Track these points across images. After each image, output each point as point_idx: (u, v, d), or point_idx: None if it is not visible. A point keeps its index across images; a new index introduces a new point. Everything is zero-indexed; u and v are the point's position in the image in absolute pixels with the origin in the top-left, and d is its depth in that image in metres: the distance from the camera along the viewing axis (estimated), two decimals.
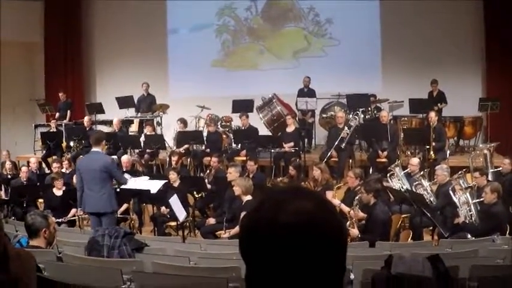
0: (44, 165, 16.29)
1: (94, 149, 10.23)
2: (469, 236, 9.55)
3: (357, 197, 10.29)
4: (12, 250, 2.16)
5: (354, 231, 9.66)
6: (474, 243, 8.59)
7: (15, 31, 19.59)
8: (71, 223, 12.28)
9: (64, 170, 14.37)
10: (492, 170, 12.53)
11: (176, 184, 12.26)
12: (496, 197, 9.70)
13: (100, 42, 20.95)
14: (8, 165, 15.48)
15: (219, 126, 16.80)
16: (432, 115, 14.00)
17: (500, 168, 12.28)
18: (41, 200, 13.16)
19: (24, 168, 14.52)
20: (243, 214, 9.27)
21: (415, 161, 12.22)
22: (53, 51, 20.63)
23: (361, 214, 10.13)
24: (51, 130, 17.47)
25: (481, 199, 9.95)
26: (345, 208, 10.38)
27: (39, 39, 20.72)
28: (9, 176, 14.90)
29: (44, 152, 16.89)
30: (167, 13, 20.20)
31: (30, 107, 20.73)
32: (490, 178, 11.76)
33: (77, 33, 20.79)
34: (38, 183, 13.99)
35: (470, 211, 10.06)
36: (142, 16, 19.93)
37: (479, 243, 8.28)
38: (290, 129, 15.34)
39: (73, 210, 12.31)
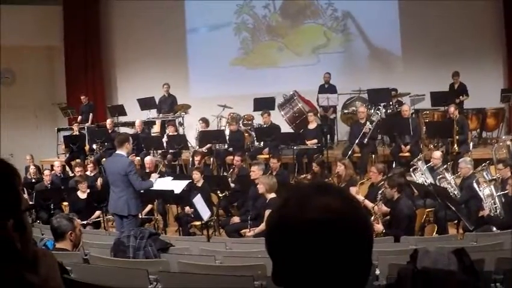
0: (67, 168, 16.37)
1: (118, 151, 10.30)
2: (494, 228, 9.48)
3: (380, 192, 10.27)
4: (40, 251, 2.20)
5: (379, 227, 9.63)
6: (499, 236, 8.52)
7: (35, 35, 19.77)
8: (96, 225, 12.37)
9: (88, 173, 14.49)
10: None
11: (199, 184, 12.28)
12: None
13: (120, 44, 21.04)
14: (32, 169, 15.61)
15: (241, 125, 16.81)
16: (452, 109, 13.88)
17: None
18: (65, 203, 13.25)
19: (47, 172, 14.66)
20: (267, 212, 9.33)
21: (437, 154, 12.16)
22: (73, 54, 20.74)
23: (384, 208, 10.09)
24: (74, 133, 17.58)
25: (506, 191, 9.88)
26: (369, 204, 10.34)
27: (59, 43, 20.83)
28: (33, 180, 15.01)
29: (68, 155, 16.99)
30: (186, 13, 20.26)
31: (52, 111, 20.88)
32: None
33: (97, 35, 20.89)
34: (62, 187, 14.08)
35: (494, 204, 10.00)
36: (161, 17, 20.00)
37: (504, 236, 8.20)
38: (312, 125, 15.34)
39: (97, 212, 12.41)
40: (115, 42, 21.17)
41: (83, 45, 20.74)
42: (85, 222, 11.75)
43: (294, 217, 1.63)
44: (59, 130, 18.74)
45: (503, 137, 14.28)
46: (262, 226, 10.05)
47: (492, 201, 10.02)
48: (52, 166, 15.93)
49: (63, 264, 4.91)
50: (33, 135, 20.23)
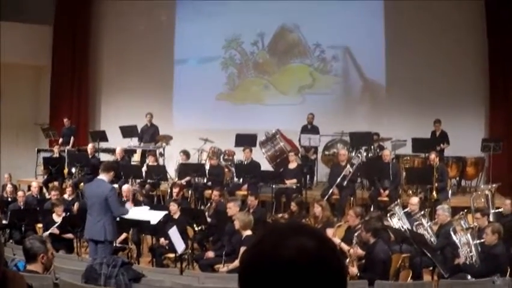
0: (44, 190, 16.25)
1: (101, 176, 10.29)
2: (469, 277, 9.48)
3: (356, 234, 10.26)
4: (10, 272, 2.17)
5: (354, 270, 9.60)
6: (474, 284, 8.54)
7: (23, 54, 19.80)
8: (69, 249, 12.22)
9: (66, 196, 14.39)
10: (493, 211, 12.49)
11: (176, 216, 12.21)
12: (497, 238, 9.64)
13: (107, 69, 21.10)
14: (9, 188, 15.48)
15: (221, 160, 16.81)
16: (433, 157, 14.03)
17: (502, 209, 12.26)
18: (40, 225, 13.11)
19: (20, 193, 14.51)
20: (242, 249, 9.29)
21: (415, 200, 12.18)
22: (60, 76, 20.79)
23: (359, 251, 10.08)
24: (54, 155, 17.50)
25: (482, 240, 9.90)
26: (345, 246, 10.34)
27: (47, 63, 20.85)
28: (9, 199, 14.87)
29: (46, 177, 16.90)
30: (175, 44, 20.34)
31: (33, 131, 20.80)
32: (491, 219, 11.72)
33: (85, 59, 20.95)
34: (38, 208, 13.95)
35: (470, 252, 10.02)
36: (150, 46, 20.09)
37: (480, 285, 8.22)
38: (292, 165, 15.34)
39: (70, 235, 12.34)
40: (102, 68, 21.22)
41: (71, 68, 20.78)
42: (49, 231, 11.83)
43: (268, 256, 1.62)
44: (39, 151, 18.68)
45: (482, 186, 14.34)
46: (237, 262, 9.99)
47: (468, 250, 10.04)
48: (29, 186, 15.83)
49: (32, 286, 4.85)
50: (12, 153, 20.10)
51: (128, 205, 10.94)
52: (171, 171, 16.71)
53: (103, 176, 10.25)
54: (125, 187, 13.94)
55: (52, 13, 20.75)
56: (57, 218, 12.63)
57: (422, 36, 17.65)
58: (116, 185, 14.71)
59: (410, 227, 11.29)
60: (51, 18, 20.77)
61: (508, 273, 9.35)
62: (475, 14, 17.44)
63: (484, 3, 17.20)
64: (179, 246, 10.44)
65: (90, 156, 16.69)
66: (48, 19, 20.61)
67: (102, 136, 18.19)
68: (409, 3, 17.77)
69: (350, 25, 18.55)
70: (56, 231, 12.28)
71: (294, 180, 14.90)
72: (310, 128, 16.91)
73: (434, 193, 13.56)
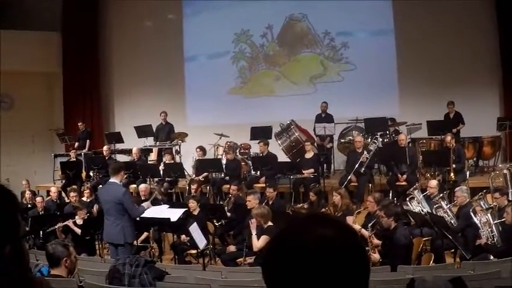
0: (63, 194, 16.32)
1: (112, 179, 10.29)
2: (491, 257, 9.44)
3: (370, 224, 10.27)
4: (37, 279, 2.19)
5: (376, 256, 9.59)
6: (496, 264, 8.49)
7: (34, 62, 19.90)
8: (91, 252, 12.26)
9: (84, 199, 14.43)
10: None
11: (196, 212, 12.25)
12: None
13: (118, 71, 21.15)
14: (27, 194, 15.55)
15: (238, 154, 16.80)
16: (449, 138, 13.93)
17: None
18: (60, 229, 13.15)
19: (39, 199, 14.56)
20: (263, 238, 9.38)
21: (433, 183, 12.11)
22: (72, 80, 20.87)
23: (376, 241, 10.07)
24: (70, 160, 17.57)
25: (503, 219, 9.84)
26: (366, 233, 10.31)
27: (58, 70, 20.93)
28: (28, 206, 14.93)
29: (64, 181, 16.96)
30: (184, 41, 20.36)
31: (49, 136, 20.91)
32: (510, 198, 11.65)
33: (95, 63, 21.04)
34: (58, 212, 14.00)
35: (491, 232, 9.96)
36: (159, 45, 20.14)
37: (502, 264, 8.17)
38: (309, 155, 15.33)
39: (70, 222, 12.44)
40: (113, 70, 21.28)
41: (82, 72, 20.86)
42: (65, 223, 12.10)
43: (291, 247, 1.64)
44: (56, 156, 18.76)
45: (500, 166, 14.27)
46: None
47: (489, 230, 9.98)
48: (48, 192, 15.90)
49: None
50: (29, 160, 20.24)
51: (146, 204, 10.90)
52: (188, 168, 16.74)
53: (114, 179, 10.24)
54: (142, 186, 13.98)
55: (60, 19, 20.82)
56: (79, 221, 12.68)
57: (433, 18, 17.51)
58: (134, 185, 14.80)
59: (429, 210, 11.25)
60: (59, 25, 20.84)
61: None
62: None
63: None
64: (201, 242, 10.47)
65: (106, 158, 16.73)
66: (56, 25, 20.69)
67: (117, 137, 18.29)
68: None
69: (357, 10, 18.47)
70: (72, 225, 12.40)
71: (312, 170, 14.89)
72: (324, 117, 16.86)
73: (452, 175, 13.50)
